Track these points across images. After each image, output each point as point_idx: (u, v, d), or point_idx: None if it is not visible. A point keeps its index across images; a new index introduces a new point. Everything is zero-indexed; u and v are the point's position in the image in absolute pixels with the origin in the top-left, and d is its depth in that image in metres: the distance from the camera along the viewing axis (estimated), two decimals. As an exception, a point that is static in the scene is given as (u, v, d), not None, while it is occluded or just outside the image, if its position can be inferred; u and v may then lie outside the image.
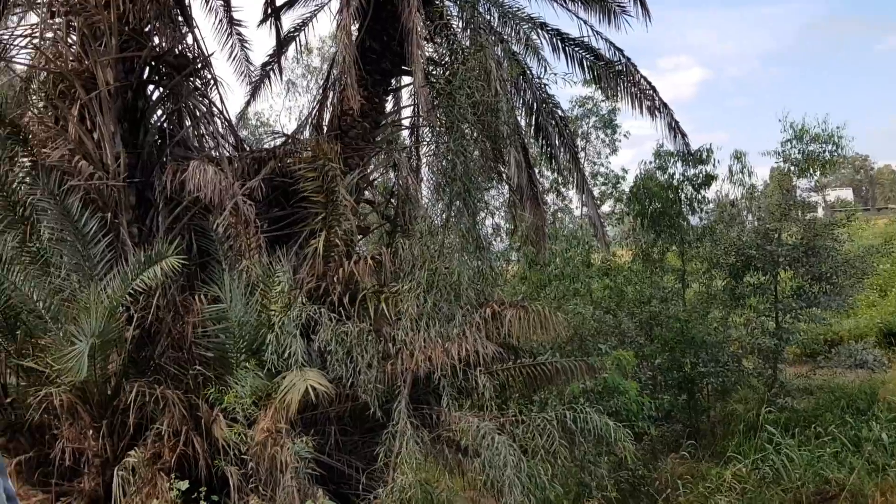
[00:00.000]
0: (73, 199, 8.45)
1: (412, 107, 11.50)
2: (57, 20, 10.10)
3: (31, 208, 8.58)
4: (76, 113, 9.26)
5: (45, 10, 10.16)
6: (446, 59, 11.28)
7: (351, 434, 8.04)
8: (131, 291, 7.56)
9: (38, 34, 10.30)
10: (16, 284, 7.80)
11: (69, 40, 9.94)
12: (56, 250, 8.41)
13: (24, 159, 9.59)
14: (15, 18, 10.61)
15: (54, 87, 9.81)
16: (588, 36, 12.10)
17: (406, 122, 12.23)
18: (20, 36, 10.39)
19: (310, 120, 11.67)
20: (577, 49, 12.34)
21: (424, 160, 10.78)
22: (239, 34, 12.69)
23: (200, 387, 7.65)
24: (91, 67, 9.32)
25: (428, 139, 10.12)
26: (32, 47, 10.34)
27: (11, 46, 10.45)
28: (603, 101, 19.77)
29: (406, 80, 11.95)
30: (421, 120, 10.78)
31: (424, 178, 10.67)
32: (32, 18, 10.50)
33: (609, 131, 20.72)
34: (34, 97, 10.62)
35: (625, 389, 8.95)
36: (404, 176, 10.14)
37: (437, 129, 8.66)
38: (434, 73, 11.07)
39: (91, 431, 7.53)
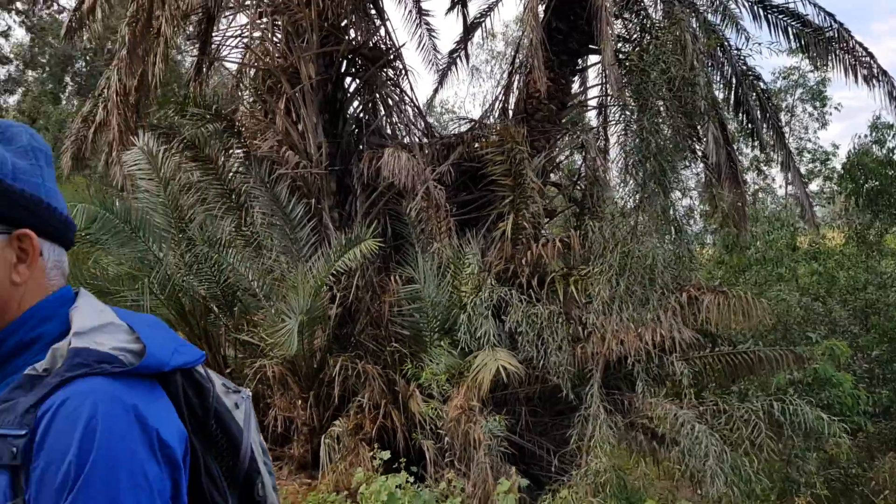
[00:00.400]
0: (282, 186, 9.08)
1: (599, 86, 11.25)
2: (263, 20, 10.89)
3: (245, 196, 9.34)
4: (282, 106, 9.92)
5: (253, 11, 10.98)
6: (636, 34, 10.90)
7: (541, 416, 8.04)
8: (333, 272, 8.00)
9: (247, 34, 11.19)
10: (233, 265, 8.52)
11: (275, 38, 10.69)
12: (267, 234, 9.08)
13: (238, 151, 10.47)
14: (224, 21, 11.56)
15: (263, 83, 10.59)
16: (793, 1, 11.20)
17: (593, 102, 11.99)
18: (231, 37, 11.36)
19: (496, 104, 11.75)
20: (780, 16, 11.45)
21: (613, 140, 10.52)
22: (427, 23, 13.02)
23: (397, 363, 7.96)
24: (295, 63, 9.95)
25: (616, 118, 9.83)
26: (243, 46, 11.25)
27: (223, 47, 11.45)
28: (810, 71, 18.25)
29: (592, 59, 11.70)
30: (610, 99, 10.50)
31: (613, 159, 10.41)
32: (241, 20, 11.41)
33: (817, 104, 19.08)
34: (245, 93, 11.56)
35: (838, 381, 8.22)
36: (592, 157, 9.93)
37: (629, 107, 8.39)
38: (623, 50, 10.75)
39: (300, 401, 8.08)
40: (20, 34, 28.65)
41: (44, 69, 21.91)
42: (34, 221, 1.29)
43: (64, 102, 21.37)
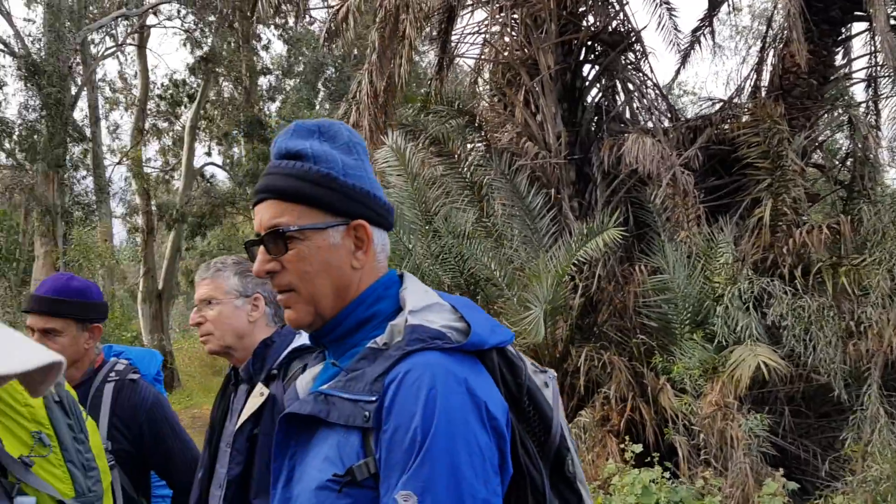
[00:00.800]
0: (521, 177, 9.20)
1: (868, 56, 10.11)
2: (501, 14, 11.09)
3: (486, 188, 9.59)
4: (521, 98, 10.04)
5: (491, 6, 11.22)
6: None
7: (805, 416, 7.42)
8: (575, 262, 7.97)
9: (485, 29, 11.45)
10: (476, 255, 8.78)
11: (512, 32, 10.84)
12: (507, 224, 9.26)
13: (479, 144, 10.78)
14: (461, 20, 11.90)
15: (502, 76, 10.80)
16: None
17: (860, 75, 10.81)
18: (470, 34, 11.69)
19: (746, 82, 10.99)
20: None
21: (885, 115, 9.40)
22: (666, 2, 12.48)
23: (643, 355, 7.74)
24: (533, 54, 10.02)
25: (891, 90, 8.79)
26: (481, 42, 11.55)
27: (462, 44, 11.83)
28: None
29: (857, 27, 10.56)
30: (882, 69, 9.40)
31: (888, 137, 9.32)
32: (478, 16, 11.72)
33: None
34: (485, 87, 11.86)
35: None
36: (863, 135, 8.94)
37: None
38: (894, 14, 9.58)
39: (544, 389, 8.14)
40: (279, 46, 31.78)
41: (299, 77, 24.09)
42: (365, 211, 1.41)
43: (317, 107, 23.36)
